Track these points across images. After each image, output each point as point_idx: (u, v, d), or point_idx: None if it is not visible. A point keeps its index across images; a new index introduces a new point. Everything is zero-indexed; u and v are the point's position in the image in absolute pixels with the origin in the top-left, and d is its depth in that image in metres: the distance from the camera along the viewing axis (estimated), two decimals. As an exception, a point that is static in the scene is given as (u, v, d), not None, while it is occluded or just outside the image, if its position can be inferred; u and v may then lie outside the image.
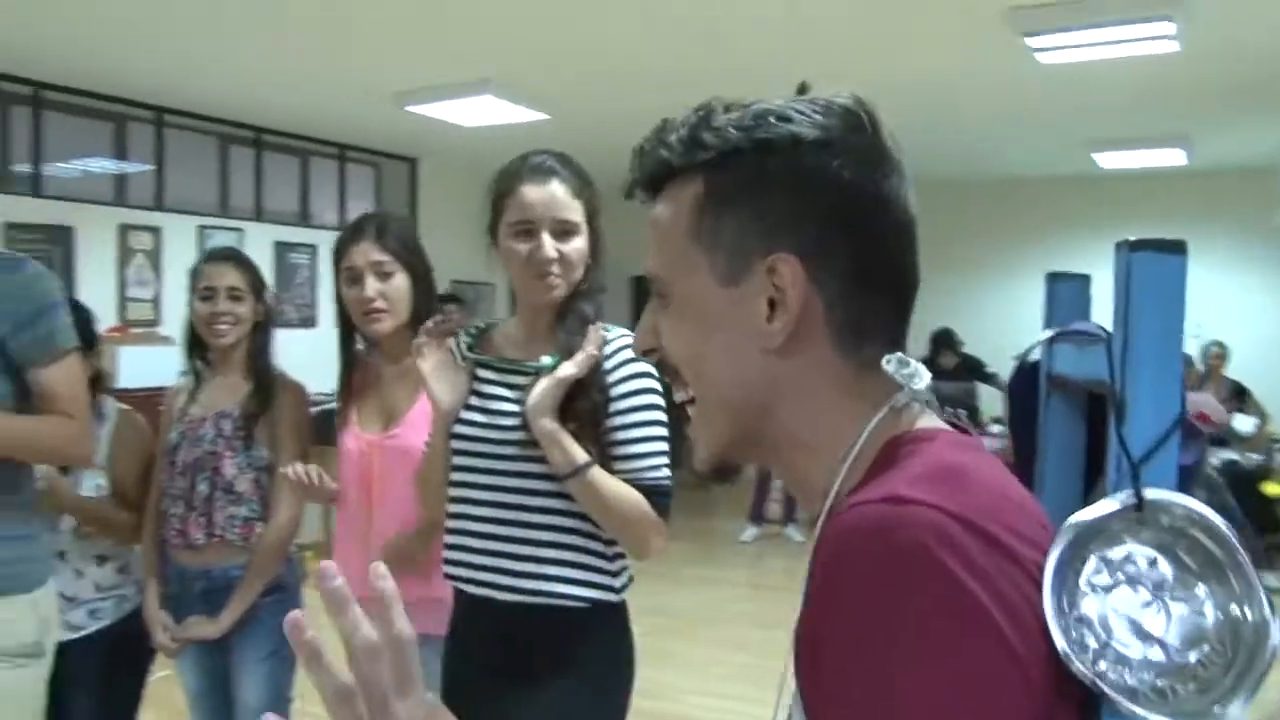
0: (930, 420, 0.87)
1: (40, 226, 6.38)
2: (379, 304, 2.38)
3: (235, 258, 2.79)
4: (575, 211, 2.00)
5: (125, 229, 6.93)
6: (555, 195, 1.98)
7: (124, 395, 3.10)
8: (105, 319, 6.53)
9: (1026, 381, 1.21)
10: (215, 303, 2.68)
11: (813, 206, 0.85)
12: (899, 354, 0.86)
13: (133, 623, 2.79)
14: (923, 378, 0.86)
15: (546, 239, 1.96)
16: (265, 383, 2.70)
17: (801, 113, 0.85)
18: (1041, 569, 0.73)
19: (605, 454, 1.95)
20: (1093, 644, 0.72)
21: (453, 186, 8.94)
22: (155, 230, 7.02)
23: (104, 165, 7.16)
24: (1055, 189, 10.01)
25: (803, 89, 0.90)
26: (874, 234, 0.86)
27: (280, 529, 2.66)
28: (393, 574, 0.81)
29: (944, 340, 8.36)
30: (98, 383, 2.88)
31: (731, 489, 10.38)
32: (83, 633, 2.77)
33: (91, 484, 2.80)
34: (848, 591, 0.71)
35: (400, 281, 2.41)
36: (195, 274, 2.75)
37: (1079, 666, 0.70)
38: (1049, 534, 0.77)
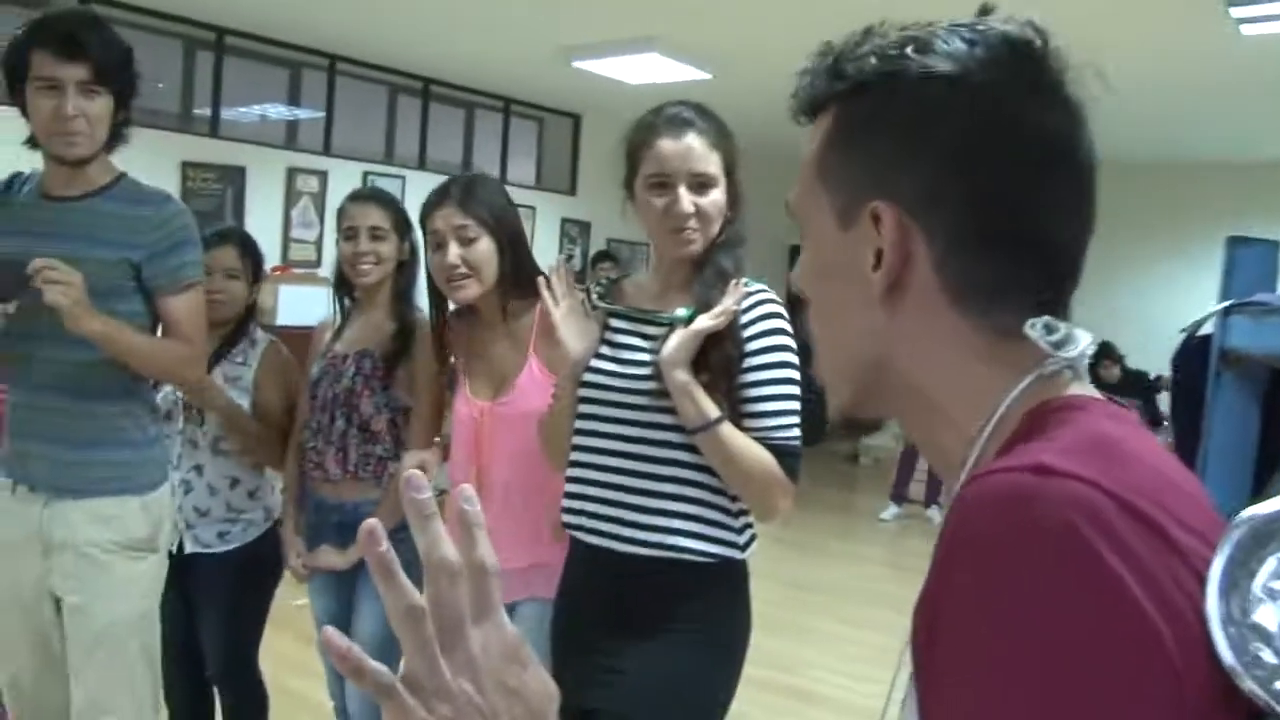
0: (1083, 389, 0.77)
1: (214, 166, 6.63)
2: (461, 269, 2.33)
3: (378, 197, 2.79)
4: (712, 164, 1.94)
5: (293, 172, 7.14)
6: (692, 148, 1.92)
7: (282, 332, 3.17)
8: (270, 258, 6.73)
9: (1195, 360, 1.08)
10: (358, 242, 2.69)
11: (927, 151, 0.76)
12: (1046, 318, 0.75)
13: (260, 547, 2.87)
14: (1077, 344, 0.75)
15: (683, 193, 1.91)
16: (407, 324, 2.70)
17: (947, 41, 0.77)
18: (1208, 565, 0.62)
19: (735, 410, 1.90)
20: (1270, 659, 0.60)
21: (614, 145, 8.87)
22: (322, 174, 7.20)
23: (279, 110, 7.38)
24: (1249, 175, 9.33)
25: (985, 10, 0.80)
26: (1010, 185, 0.75)
27: (410, 467, 2.66)
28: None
29: (1104, 352, 7.98)
30: (253, 312, 2.99)
31: (878, 467, 10.24)
32: (210, 550, 2.87)
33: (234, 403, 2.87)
34: (974, 568, 0.62)
35: (485, 246, 2.35)
36: (340, 213, 2.78)
37: (1250, 685, 0.59)
38: (1218, 526, 0.65)
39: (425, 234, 2.41)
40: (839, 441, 9.91)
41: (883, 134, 0.79)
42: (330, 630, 0.67)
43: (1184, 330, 1.10)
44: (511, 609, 2.31)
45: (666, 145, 1.92)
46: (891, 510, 8.31)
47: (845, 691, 4.61)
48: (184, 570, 2.86)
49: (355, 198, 2.80)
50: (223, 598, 2.89)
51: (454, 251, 2.32)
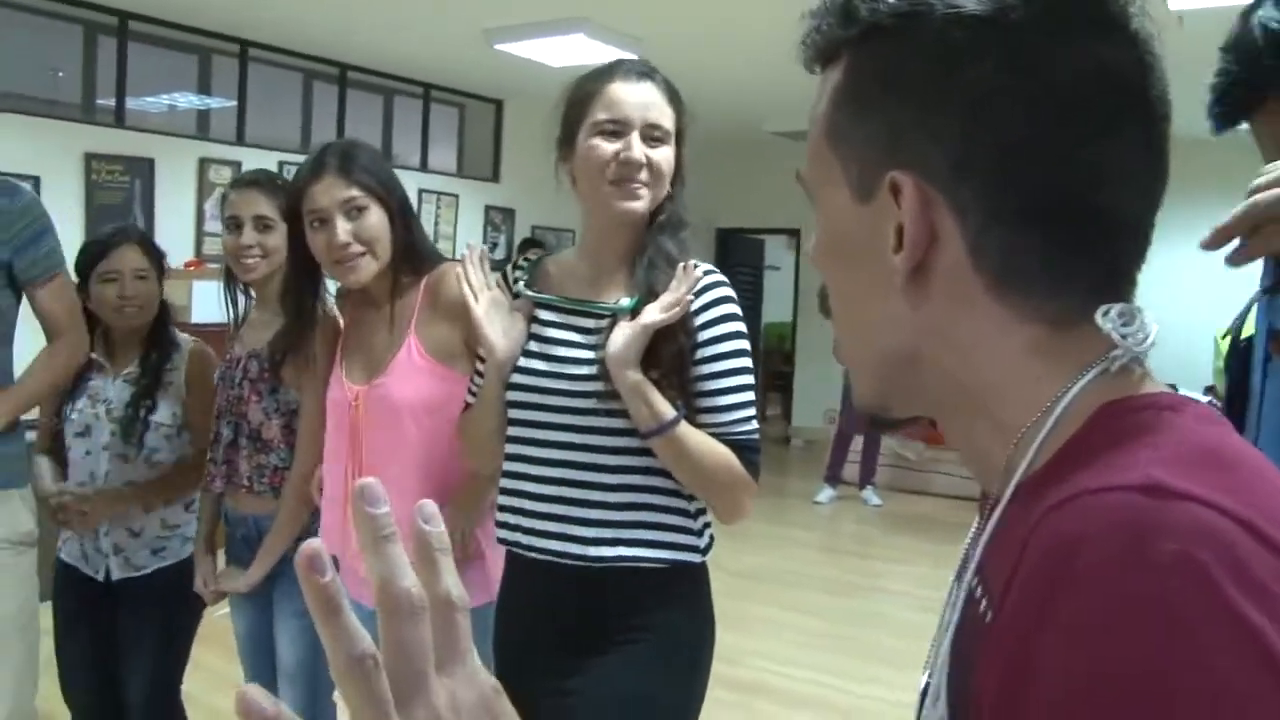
0: (1158, 385, 0.66)
1: (121, 158, 6.34)
2: (355, 247, 2.09)
3: (264, 183, 2.56)
4: (668, 119, 1.78)
5: (205, 163, 6.87)
6: (650, 97, 1.76)
7: (198, 330, 3.01)
8: (182, 253, 6.50)
9: (1244, 359, 0.98)
10: (242, 233, 2.48)
11: (954, 107, 0.64)
12: (1120, 304, 0.64)
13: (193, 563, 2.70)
14: (1149, 333, 0.64)
15: (636, 139, 1.74)
16: (301, 315, 2.43)
17: None
18: None
19: (689, 404, 1.75)
20: None
21: (537, 130, 8.69)
22: (235, 165, 6.95)
23: (188, 99, 7.11)
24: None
25: None
26: (1059, 143, 0.62)
27: (299, 476, 2.43)
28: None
29: None
30: (167, 313, 2.81)
31: (810, 449, 10.23)
32: (144, 571, 2.71)
33: (168, 412, 2.72)
34: (1086, 613, 0.51)
35: (376, 218, 2.11)
36: (223, 201, 2.58)
37: None
38: None
39: (302, 215, 2.14)
40: (766, 424, 9.86)
41: (901, 88, 0.66)
42: (250, 693, 0.50)
43: (1225, 333, 1.01)
44: None
45: (622, 88, 1.75)
46: (826, 493, 8.29)
47: (789, 680, 4.55)
48: (107, 600, 2.70)
49: (238, 184, 2.58)
50: (156, 618, 2.71)
51: (343, 227, 2.08)
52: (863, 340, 0.74)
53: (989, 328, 0.66)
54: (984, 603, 0.60)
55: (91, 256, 2.69)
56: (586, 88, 1.79)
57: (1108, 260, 0.65)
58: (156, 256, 2.76)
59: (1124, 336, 0.63)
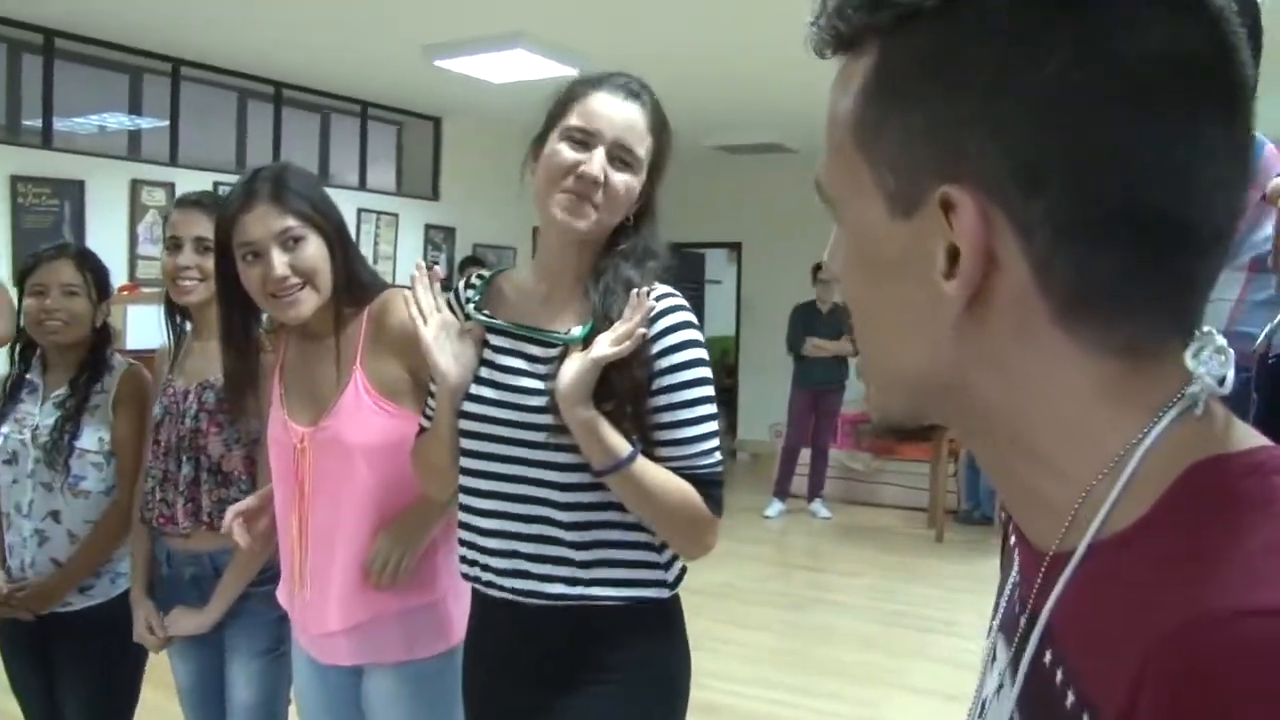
0: (1255, 436, 0.57)
1: (49, 180, 6.18)
2: (293, 280, 1.94)
3: (206, 204, 2.42)
4: (643, 146, 1.68)
5: (137, 184, 6.71)
6: (630, 117, 1.67)
7: (133, 355, 2.89)
8: (116, 277, 6.31)
9: (1268, 382, 0.95)
10: (180, 254, 2.36)
11: (1018, 104, 0.54)
12: (1213, 337, 0.57)
13: (128, 603, 2.57)
14: (1228, 379, 0.57)
15: (600, 154, 1.64)
16: (249, 349, 2.32)
17: None
18: None
19: (646, 437, 1.65)
20: None
21: (477, 147, 8.70)
22: (168, 186, 6.80)
23: (118, 119, 6.96)
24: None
25: None
26: (1140, 138, 0.53)
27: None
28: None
29: None
30: (106, 334, 2.69)
31: (755, 463, 10.22)
32: (72, 608, 2.59)
33: (94, 437, 2.59)
34: None
35: (314, 248, 1.97)
36: (165, 221, 2.48)
37: None
38: None
39: (231, 248, 1.99)
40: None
41: (954, 82, 0.55)
42: None
43: (1255, 350, 0.98)
44: (358, 673, 2.06)
45: (603, 100, 1.66)
46: (776, 507, 8.27)
47: (745, 700, 4.51)
48: (42, 635, 2.58)
49: (182, 203, 2.46)
50: (88, 665, 2.58)
51: (279, 259, 1.93)
52: (895, 365, 0.64)
53: (1052, 362, 0.57)
54: (1069, 692, 0.54)
55: (25, 270, 2.61)
56: (572, 90, 1.70)
57: (1186, 279, 0.56)
58: (95, 274, 2.64)
59: (1216, 373, 0.56)
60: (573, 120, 1.66)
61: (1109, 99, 0.53)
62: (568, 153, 1.65)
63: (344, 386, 1.99)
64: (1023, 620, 0.62)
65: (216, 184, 6.91)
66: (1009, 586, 0.69)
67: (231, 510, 2.10)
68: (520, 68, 6.44)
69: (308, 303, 1.97)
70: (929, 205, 0.57)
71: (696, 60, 6.40)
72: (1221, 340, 0.57)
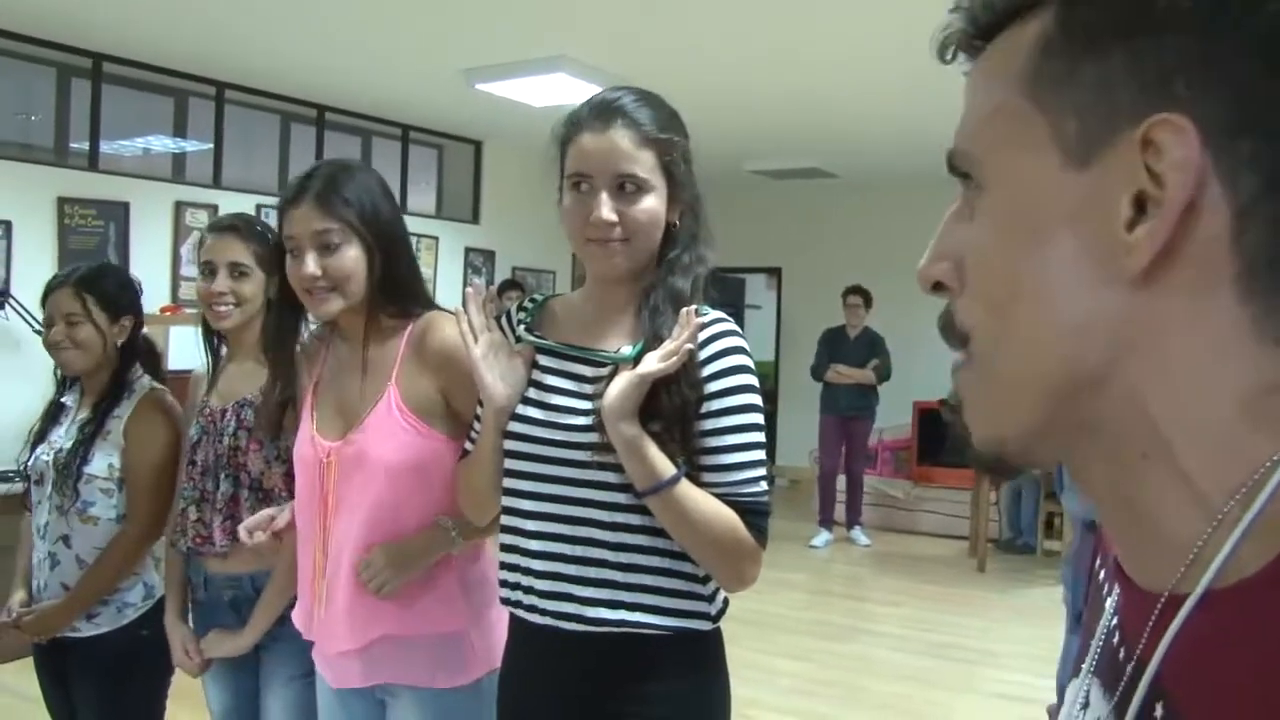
0: None
1: (95, 201, 6.24)
2: (323, 283, 1.94)
3: (241, 228, 2.41)
4: (639, 165, 1.63)
5: (181, 206, 6.77)
6: (616, 144, 1.62)
7: (174, 377, 2.87)
8: (159, 298, 6.40)
9: None
10: (215, 279, 2.35)
11: (1238, 59, 0.52)
12: None
13: (138, 633, 2.55)
14: None
15: (604, 198, 1.62)
16: (285, 367, 2.30)
17: None
18: None
19: (693, 461, 1.61)
20: None
21: (517, 170, 8.71)
22: (212, 208, 6.85)
23: (163, 142, 7.03)
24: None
25: None
26: None
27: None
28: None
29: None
30: (130, 357, 2.67)
31: (795, 489, 10.14)
32: (81, 635, 2.57)
33: (104, 463, 2.56)
34: None
35: (351, 256, 1.94)
36: (199, 245, 2.44)
37: None
38: None
39: (282, 237, 2.01)
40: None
41: (1158, 25, 0.53)
42: None
43: None
44: (382, 706, 2.01)
45: (588, 140, 1.63)
46: (823, 537, 8.17)
47: (784, 730, 4.44)
48: (59, 658, 2.58)
49: (215, 228, 2.43)
50: (99, 691, 2.56)
51: (312, 260, 1.92)
52: (1041, 350, 0.57)
53: (1220, 338, 0.53)
54: None
55: (42, 298, 2.63)
56: (564, 132, 1.69)
57: None
58: (101, 298, 2.60)
59: None
60: (570, 167, 1.66)
61: None
62: (577, 205, 1.65)
63: (376, 401, 1.97)
64: (1129, 668, 0.57)
65: (259, 206, 6.97)
66: (1103, 628, 0.64)
67: (254, 519, 2.07)
68: (561, 91, 6.45)
69: (334, 304, 1.96)
70: (1117, 148, 0.54)
71: (738, 86, 6.38)
72: None
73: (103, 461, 2.56)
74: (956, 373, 0.63)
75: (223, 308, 2.35)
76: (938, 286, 0.64)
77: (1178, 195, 0.51)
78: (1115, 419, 0.56)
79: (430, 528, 1.93)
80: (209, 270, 2.36)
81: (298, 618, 2.09)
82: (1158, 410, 0.54)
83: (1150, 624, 0.55)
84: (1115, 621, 0.62)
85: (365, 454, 1.93)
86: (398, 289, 2.01)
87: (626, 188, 1.63)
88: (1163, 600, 0.54)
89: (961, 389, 0.63)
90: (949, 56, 0.64)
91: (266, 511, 2.14)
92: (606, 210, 1.62)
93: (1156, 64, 0.53)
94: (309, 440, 2.03)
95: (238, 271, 2.35)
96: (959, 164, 0.63)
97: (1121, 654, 0.59)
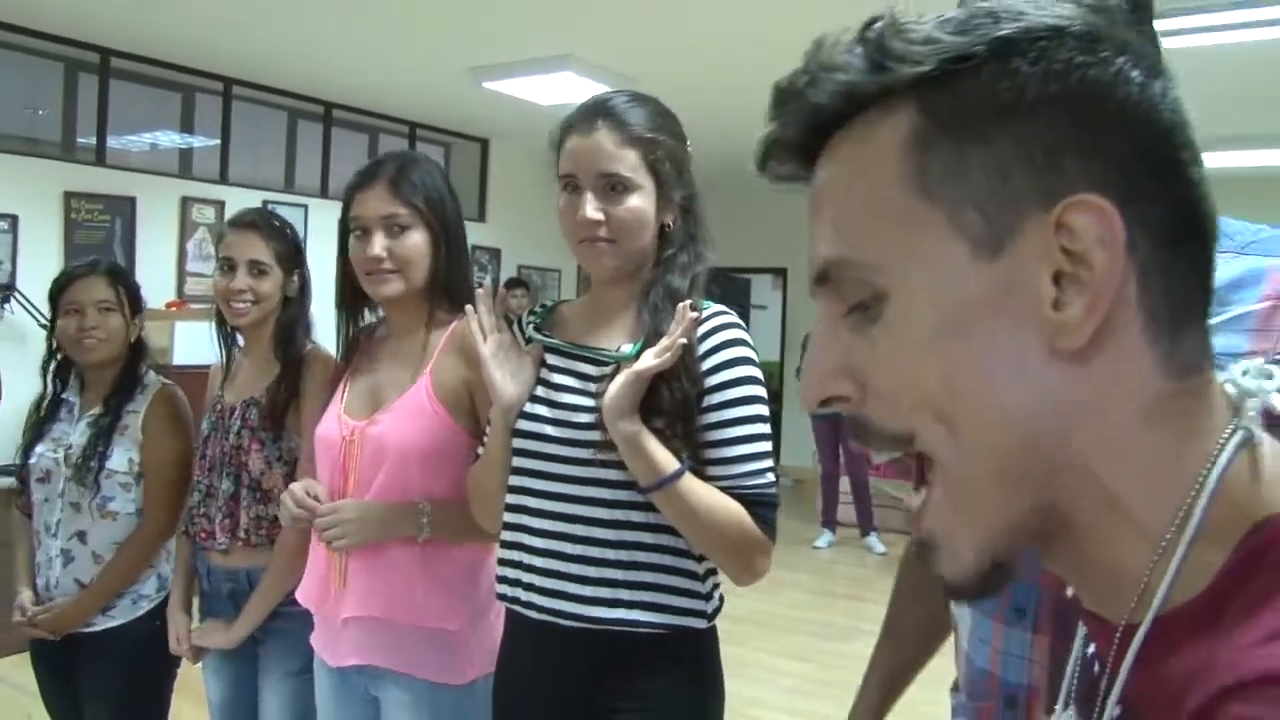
0: None
1: (101, 196, 6.24)
2: (387, 264, 1.98)
3: (262, 225, 2.41)
4: (622, 164, 1.65)
5: (188, 202, 6.77)
6: (600, 144, 1.65)
7: (180, 372, 2.88)
8: (164, 293, 6.40)
9: None
10: (234, 276, 2.34)
11: (1108, 126, 0.55)
12: (1257, 363, 0.57)
13: (152, 624, 2.56)
14: (1277, 398, 0.56)
15: (589, 197, 1.65)
16: (294, 367, 2.36)
17: (1030, 6, 0.58)
18: None
19: (696, 455, 1.61)
20: None
21: (524, 169, 8.71)
22: (218, 204, 6.86)
23: (170, 137, 7.03)
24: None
25: None
26: (1181, 159, 0.57)
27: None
28: None
29: None
30: (139, 351, 2.69)
31: (798, 489, 10.13)
32: (94, 629, 2.57)
33: (124, 458, 2.57)
34: None
35: (416, 240, 1.99)
36: (218, 240, 2.43)
37: None
38: None
39: (346, 219, 2.04)
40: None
41: (1031, 114, 0.56)
42: None
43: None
44: (377, 706, 2.02)
45: (574, 141, 1.67)
46: (826, 538, 8.14)
47: (786, 731, 4.43)
48: (66, 653, 2.57)
49: (236, 224, 2.42)
50: (109, 685, 2.56)
51: (379, 242, 1.97)
52: (998, 440, 0.57)
53: (1141, 386, 0.56)
54: None
55: (57, 288, 2.60)
56: (557, 135, 1.72)
57: (1207, 299, 0.58)
58: (128, 290, 2.64)
59: (1267, 394, 0.55)
60: (561, 169, 1.69)
61: (1167, 130, 0.57)
62: (568, 206, 1.68)
63: (409, 386, 2.00)
64: (1100, 692, 0.60)
65: (265, 202, 6.99)
66: (1075, 659, 0.67)
67: (303, 485, 2.04)
68: (568, 90, 6.44)
69: (394, 286, 2.00)
70: (1027, 234, 0.56)
71: (744, 85, 6.36)
72: (1261, 361, 0.57)
73: (122, 456, 2.57)
74: (918, 512, 0.63)
75: (241, 305, 2.35)
76: (833, 400, 0.63)
77: (1108, 272, 0.54)
78: (1070, 488, 0.57)
79: (406, 504, 1.94)
80: (228, 266, 2.36)
81: (306, 595, 2.09)
82: (1102, 469, 0.56)
83: (1113, 652, 0.58)
84: (1092, 649, 0.65)
85: (389, 434, 1.96)
86: (454, 283, 2.04)
87: (615, 187, 1.66)
88: (1120, 630, 0.57)
89: (930, 519, 0.62)
90: (773, 167, 0.67)
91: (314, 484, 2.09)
92: (590, 209, 1.65)
93: (1041, 145, 0.56)
94: (335, 419, 2.06)
95: (257, 269, 2.35)
96: (838, 274, 0.62)
97: (1072, 676, 0.64)
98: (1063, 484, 0.57)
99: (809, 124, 0.63)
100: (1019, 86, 0.56)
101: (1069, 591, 0.66)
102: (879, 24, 0.59)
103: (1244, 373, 0.56)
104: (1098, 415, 0.56)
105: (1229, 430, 0.55)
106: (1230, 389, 0.56)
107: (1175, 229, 0.56)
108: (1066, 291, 0.55)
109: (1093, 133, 0.55)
